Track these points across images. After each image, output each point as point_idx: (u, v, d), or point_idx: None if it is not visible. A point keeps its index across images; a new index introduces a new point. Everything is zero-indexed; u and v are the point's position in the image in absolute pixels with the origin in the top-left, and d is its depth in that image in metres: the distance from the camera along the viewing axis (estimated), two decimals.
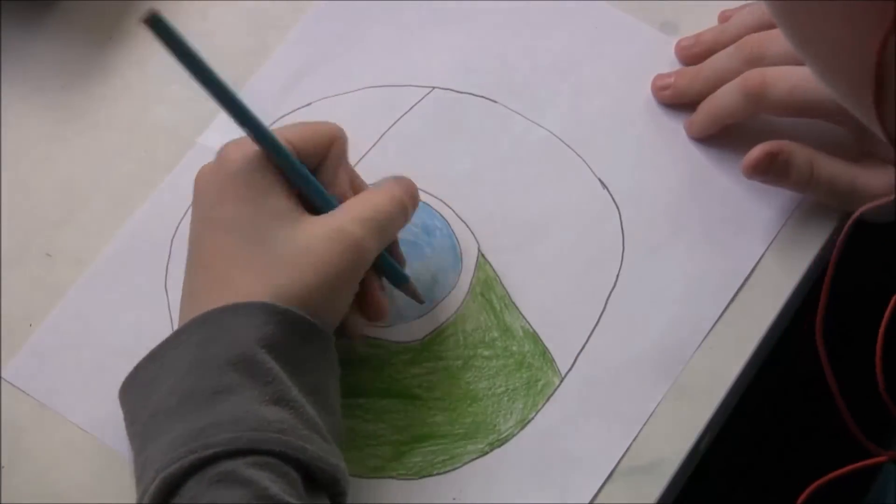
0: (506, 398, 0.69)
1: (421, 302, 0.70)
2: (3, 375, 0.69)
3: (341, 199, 0.65)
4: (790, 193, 0.72)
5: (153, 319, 0.70)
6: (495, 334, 0.70)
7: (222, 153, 0.64)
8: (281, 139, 0.63)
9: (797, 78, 0.69)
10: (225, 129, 0.75)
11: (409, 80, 0.77)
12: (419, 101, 0.76)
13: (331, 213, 0.64)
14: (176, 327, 0.63)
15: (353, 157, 0.74)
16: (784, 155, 0.70)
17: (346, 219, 0.63)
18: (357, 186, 0.68)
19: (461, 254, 0.72)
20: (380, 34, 0.78)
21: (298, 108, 0.76)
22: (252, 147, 0.63)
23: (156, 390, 0.61)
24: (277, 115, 0.76)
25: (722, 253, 0.72)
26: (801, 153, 0.70)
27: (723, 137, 0.74)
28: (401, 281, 0.69)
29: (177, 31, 0.58)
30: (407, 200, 0.66)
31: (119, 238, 0.73)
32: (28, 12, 0.79)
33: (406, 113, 0.76)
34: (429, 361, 0.69)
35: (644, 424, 0.68)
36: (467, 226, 0.73)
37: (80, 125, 0.76)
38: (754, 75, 0.70)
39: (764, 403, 0.79)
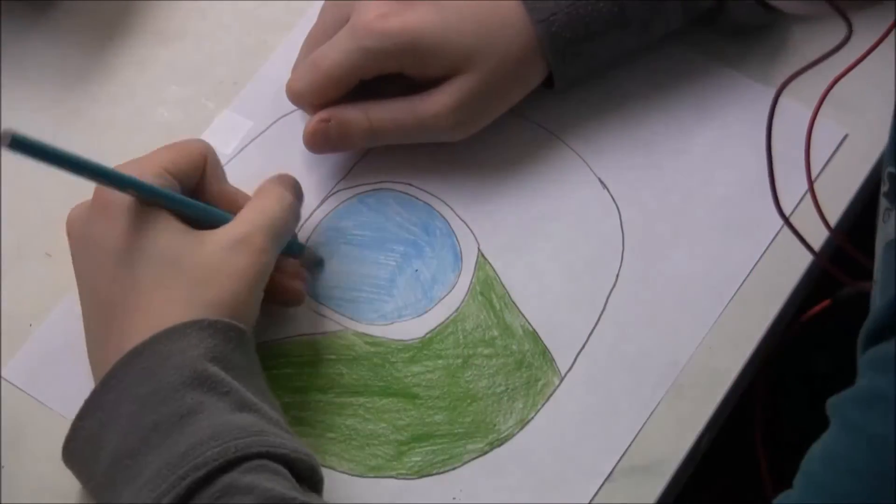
0: (506, 397, 0.68)
1: (320, 265, 0.71)
2: (3, 375, 0.69)
3: (232, 210, 0.67)
4: (791, 194, 0.71)
5: None
6: (495, 333, 0.70)
7: (100, 198, 0.65)
8: (158, 166, 0.65)
9: None
10: (225, 130, 0.76)
11: None
12: None
13: (229, 225, 0.65)
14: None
15: (345, 164, 0.74)
16: (336, 117, 0.71)
17: (245, 229, 0.65)
18: (233, 194, 0.69)
19: (461, 253, 0.72)
20: None
21: (298, 108, 0.75)
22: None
23: (106, 440, 0.61)
24: (277, 114, 0.76)
25: (722, 253, 0.72)
26: (352, 110, 0.71)
27: (723, 137, 0.74)
28: (297, 251, 0.70)
29: (36, 141, 0.60)
30: (294, 199, 0.68)
31: None
32: (28, 12, 0.79)
33: None
34: (429, 360, 0.69)
35: (644, 424, 0.68)
36: (467, 226, 0.73)
37: (80, 125, 0.76)
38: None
39: (764, 403, 0.79)
